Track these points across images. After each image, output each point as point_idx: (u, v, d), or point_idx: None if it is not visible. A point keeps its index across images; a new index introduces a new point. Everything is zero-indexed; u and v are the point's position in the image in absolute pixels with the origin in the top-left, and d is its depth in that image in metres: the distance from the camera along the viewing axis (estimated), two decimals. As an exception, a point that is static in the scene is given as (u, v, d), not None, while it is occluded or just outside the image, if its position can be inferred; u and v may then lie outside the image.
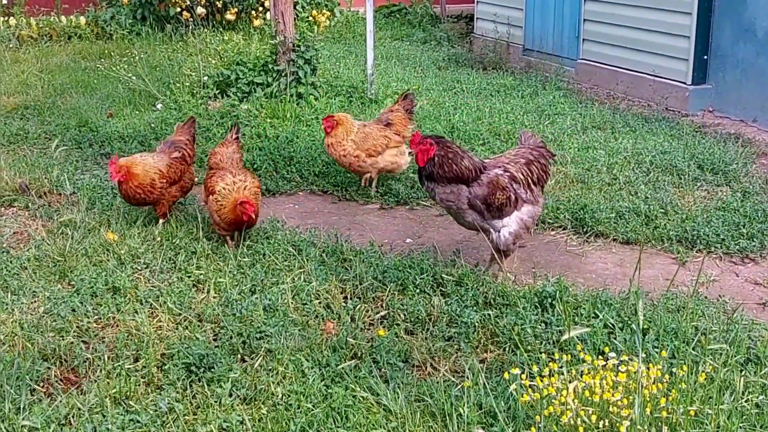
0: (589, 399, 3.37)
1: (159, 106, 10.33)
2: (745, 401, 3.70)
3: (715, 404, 3.57)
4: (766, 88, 9.91)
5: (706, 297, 5.29)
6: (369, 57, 10.52)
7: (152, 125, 9.59)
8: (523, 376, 3.63)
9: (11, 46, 15.14)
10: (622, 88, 11.69)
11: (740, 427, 3.53)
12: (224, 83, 10.43)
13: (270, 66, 10.37)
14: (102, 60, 12.97)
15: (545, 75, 12.55)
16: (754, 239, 6.20)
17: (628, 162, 8.13)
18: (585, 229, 6.59)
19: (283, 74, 10.22)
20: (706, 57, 10.59)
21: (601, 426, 3.29)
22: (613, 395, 3.33)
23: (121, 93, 11.12)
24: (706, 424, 3.47)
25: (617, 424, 3.24)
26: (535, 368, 3.72)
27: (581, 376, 3.50)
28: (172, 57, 12.63)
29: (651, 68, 11.23)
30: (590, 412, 3.30)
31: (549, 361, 3.71)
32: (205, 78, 10.55)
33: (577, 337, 4.56)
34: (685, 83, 10.74)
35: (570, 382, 3.41)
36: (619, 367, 3.54)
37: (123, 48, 14.04)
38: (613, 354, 3.69)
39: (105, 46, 14.79)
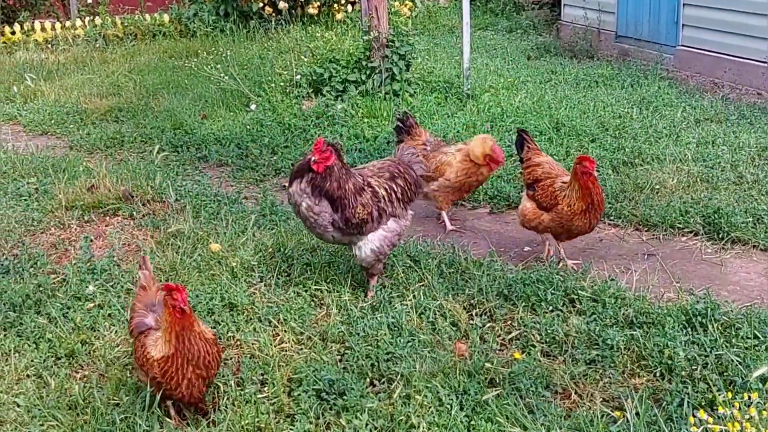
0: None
1: (253, 106, 10.18)
2: None
3: None
4: None
5: None
6: (465, 51, 10.18)
7: (248, 127, 9.44)
8: (710, 420, 3.29)
9: (98, 45, 15.24)
10: (729, 76, 11.10)
11: None
12: (317, 82, 10.22)
13: (363, 63, 10.12)
14: (189, 58, 12.91)
15: (642, 63, 12.04)
16: None
17: (752, 158, 7.64)
18: (720, 235, 6.16)
19: (377, 71, 9.97)
20: (822, 41, 9.98)
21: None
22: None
23: (212, 93, 11.00)
24: None
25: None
26: (722, 410, 3.37)
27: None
28: (263, 55, 12.47)
29: (762, 55, 10.62)
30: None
31: (734, 401, 3.36)
32: (298, 77, 10.35)
33: (736, 360, 4.22)
34: (799, 70, 10.15)
35: (763, 425, 3.05)
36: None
37: (208, 45, 13.97)
38: None
39: (189, 44, 14.76)
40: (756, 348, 4.33)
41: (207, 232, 6.48)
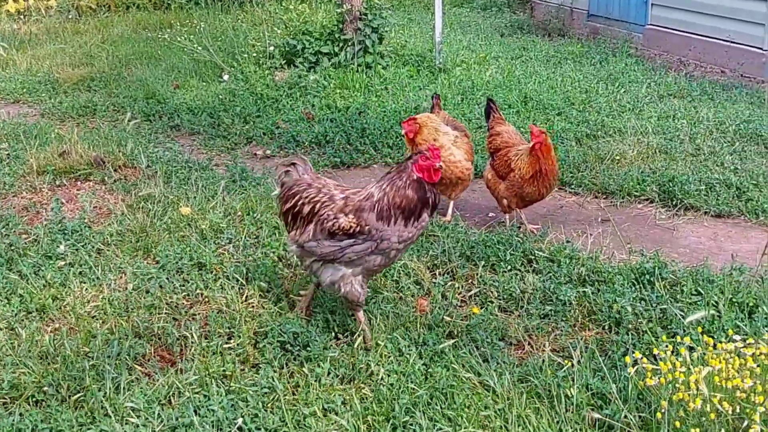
0: (718, 385, 3.23)
1: (225, 77, 10.28)
2: None
3: None
4: None
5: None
6: (437, 25, 10.33)
7: (220, 97, 9.54)
8: (645, 360, 3.49)
9: (71, 17, 15.22)
10: (694, 54, 11.35)
11: None
12: (290, 53, 10.33)
13: (336, 35, 10.25)
14: (163, 30, 12.96)
15: (613, 41, 12.25)
16: None
17: (710, 131, 7.87)
18: (674, 202, 6.39)
19: (350, 43, 10.09)
20: (785, 21, 10.22)
21: (730, 412, 3.15)
22: (742, 380, 3.18)
23: (185, 64, 11.09)
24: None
25: (751, 413, 3.10)
26: (658, 352, 3.57)
27: (705, 360, 3.36)
28: (236, 27, 12.55)
29: (726, 34, 10.86)
30: (718, 397, 3.16)
31: (669, 344, 3.56)
32: (271, 48, 10.45)
33: (680, 314, 4.43)
34: (761, 49, 10.38)
35: (701, 369, 3.25)
36: (742, 349, 3.39)
37: (182, 18, 14.02)
38: (737, 337, 3.54)
39: (164, 16, 14.80)
40: (698, 303, 4.55)
41: (177, 196, 6.60)
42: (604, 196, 6.71)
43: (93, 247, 5.78)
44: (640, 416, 3.59)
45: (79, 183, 7.24)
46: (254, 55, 10.54)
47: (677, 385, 3.27)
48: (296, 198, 4.65)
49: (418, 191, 4.31)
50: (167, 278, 5.23)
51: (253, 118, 8.83)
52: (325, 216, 4.44)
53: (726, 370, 3.24)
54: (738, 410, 3.15)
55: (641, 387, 3.54)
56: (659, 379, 3.33)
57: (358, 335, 4.49)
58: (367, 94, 9.31)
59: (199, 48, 11.11)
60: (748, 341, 3.46)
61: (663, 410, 3.26)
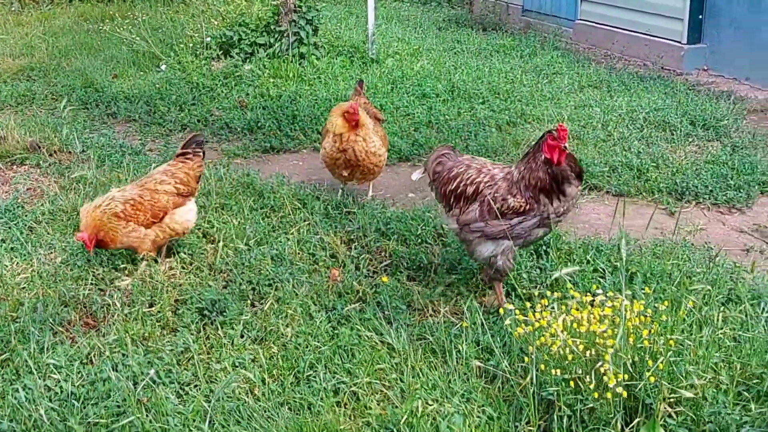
0: (577, 331, 3.62)
1: (163, 66, 10.50)
2: (723, 335, 3.96)
3: (694, 336, 3.84)
4: (758, 47, 10.06)
5: (692, 244, 5.53)
6: (370, 17, 10.67)
7: (157, 86, 9.77)
8: (518, 312, 3.88)
9: (13, 9, 15.27)
10: (619, 48, 11.84)
11: (717, 357, 3.79)
12: (227, 44, 10.59)
13: (272, 27, 10.53)
14: (104, 22, 13.13)
15: (544, 35, 12.70)
16: (741, 190, 6.43)
17: (622, 119, 8.33)
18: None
19: (285, 35, 10.38)
20: (700, 16, 10.73)
21: (588, 355, 3.55)
22: (599, 327, 3.58)
23: (124, 54, 11.30)
24: (686, 354, 3.73)
25: (603, 353, 3.50)
26: (528, 304, 3.96)
27: (570, 310, 3.76)
28: (175, 18, 12.77)
29: (647, 28, 11.38)
30: (578, 342, 3.55)
31: (541, 298, 3.95)
32: (208, 39, 10.70)
33: (569, 279, 4.83)
34: (680, 42, 10.89)
35: (560, 316, 3.66)
36: (605, 303, 3.79)
37: (124, 10, 14.19)
38: (600, 291, 3.94)
39: (106, 9, 14.94)
40: (584, 270, 4.97)
41: (109, 178, 6.85)
42: (517, 178, 7.10)
43: (25, 225, 6.02)
44: (520, 365, 3.98)
45: (14, 167, 7.45)
46: (192, 46, 10.77)
47: (543, 333, 3.66)
48: (458, 180, 4.86)
49: (547, 172, 4.53)
50: (95, 253, 5.49)
51: (188, 106, 9.08)
52: (492, 197, 4.62)
53: (586, 319, 3.64)
54: (594, 352, 3.55)
55: (516, 337, 3.92)
56: (528, 327, 3.71)
57: (493, 302, 4.80)
58: (299, 83, 9.62)
59: (138, 39, 11.32)
60: (608, 294, 3.86)
61: (531, 355, 3.64)
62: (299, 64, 10.16)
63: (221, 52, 10.60)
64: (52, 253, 5.62)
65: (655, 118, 8.28)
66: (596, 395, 3.48)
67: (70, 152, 7.66)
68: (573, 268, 4.02)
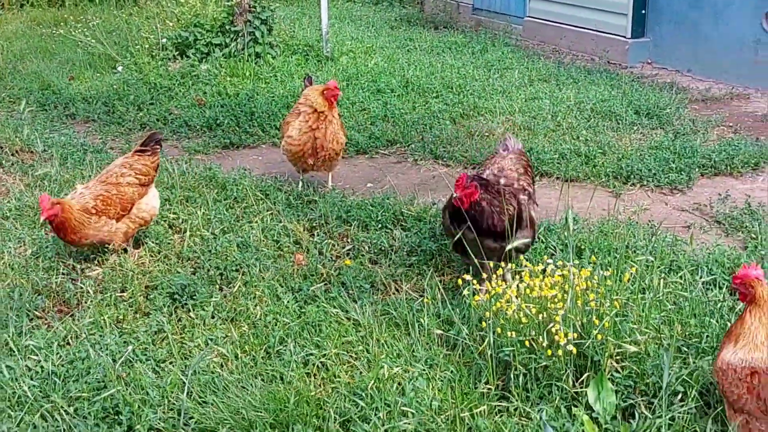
0: (530, 296, 3.90)
1: (120, 68, 10.61)
2: (665, 297, 4.27)
3: (637, 299, 4.14)
4: (699, 40, 10.51)
5: (637, 222, 5.85)
6: (324, 16, 10.91)
7: (115, 87, 9.89)
8: (475, 282, 4.14)
9: (-36, 14, 15.21)
10: (567, 43, 12.24)
11: (659, 318, 4.10)
12: (183, 45, 10.73)
13: (227, 27, 10.70)
14: (58, 26, 13.17)
15: (494, 33, 13.04)
16: (682, 173, 6.79)
17: (570, 110, 8.67)
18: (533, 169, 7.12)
19: (240, 35, 10.57)
20: (644, 11, 11.16)
21: (540, 318, 3.82)
22: (550, 292, 3.86)
23: (80, 57, 11.39)
24: (629, 315, 4.03)
25: (554, 316, 3.78)
26: (484, 275, 4.23)
27: (523, 279, 4.03)
28: (129, 21, 12.85)
29: (593, 24, 11.78)
30: (531, 306, 3.82)
31: (496, 269, 4.22)
32: (164, 40, 10.83)
33: (525, 258, 5.11)
34: (624, 37, 11.31)
35: (513, 283, 3.93)
36: (555, 272, 4.07)
37: (77, 14, 14.22)
38: (550, 261, 4.23)
39: (58, 13, 14.97)
40: (538, 248, 5.26)
41: (73, 175, 6.98)
42: (473, 167, 7.38)
43: (-8, 221, 6.14)
44: (479, 334, 4.24)
45: (-24, 167, 7.53)
46: (147, 47, 10.89)
47: (499, 299, 3.93)
48: None
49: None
50: (64, 245, 5.64)
51: (146, 106, 9.22)
52: None
53: (538, 285, 3.91)
54: (546, 315, 3.82)
55: (474, 306, 4.18)
56: (485, 295, 3.97)
57: None
58: (256, 81, 9.81)
59: (93, 41, 11.40)
60: (558, 264, 4.15)
61: (489, 320, 3.90)
62: (255, 63, 10.35)
63: (177, 52, 10.74)
64: (21, 246, 5.75)
65: (601, 109, 8.63)
66: (549, 354, 3.75)
67: (32, 151, 7.76)
68: (524, 240, 4.29)
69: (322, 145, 6.41)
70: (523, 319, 3.81)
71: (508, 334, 3.83)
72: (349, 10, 15.48)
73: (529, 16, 13.26)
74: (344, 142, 6.68)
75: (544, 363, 3.80)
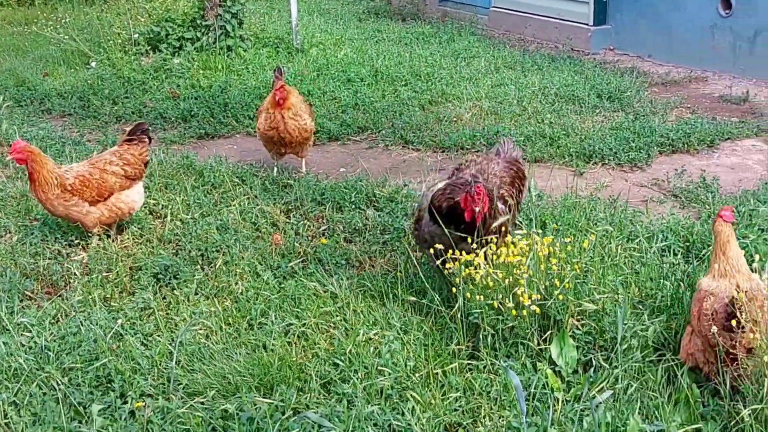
0: (497, 262, 4.16)
1: (93, 64, 10.76)
2: (622, 262, 4.57)
3: (596, 263, 4.43)
4: (658, 26, 10.85)
5: (598, 197, 6.15)
6: (293, 9, 11.13)
7: (89, 82, 10.04)
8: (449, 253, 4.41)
9: (-67, 14, 15.22)
10: (531, 32, 12.54)
11: (617, 280, 4.39)
12: (155, 39, 10.90)
13: (198, 21, 10.88)
14: (29, 25, 13.27)
15: (461, 23, 13.31)
16: (642, 151, 7.10)
17: (535, 95, 8.97)
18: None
19: (211, 29, 10.75)
20: (605, 0, 11.49)
21: (506, 282, 4.08)
22: (515, 258, 4.13)
23: (53, 54, 11.52)
24: (589, 277, 4.31)
25: (519, 279, 4.05)
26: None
27: (490, 246, 4.29)
28: (101, 17, 12.97)
29: (557, 12, 12.09)
30: (498, 272, 4.09)
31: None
32: (136, 35, 10.99)
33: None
34: (587, 24, 11.64)
35: (481, 250, 4.20)
36: (521, 240, 4.34)
37: (48, 12, 14.28)
38: (519, 232, 4.50)
39: (29, 12, 15.05)
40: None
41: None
42: (441, 151, 7.65)
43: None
44: (449, 302, 4.50)
45: (-44, 161, 7.67)
46: (120, 42, 11.04)
47: (468, 266, 4.19)
48: None
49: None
50: (49, 231, 5.83)
51: (121, 99, 9.39)
52: None
53: (504, 253, 4.18)
54: (512, 279, 4.09)
55: (445, 273, 4.44)
56: (456, 263, 4.24)
57: None
58: (229, 73, 10.01)
59: (66, 38, 11.52)
60: (523, 233, 4.42)
61: (458, 286, 4.17)
62: (227, 56, 10.55)
63: (150, 47, 10.90)
64: (7, 234, 5.93)
65: (565, 93, 8.94)
66: (514, 314, 4.02)
67: (10, 145, 7.88)
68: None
69: (285, 135, 6.74)
70: (491, 284, 4.07)
71: (477, 298, 4.09)
72: (318, 3, 15.67)
73: (494, 6, 13.53)
74: (311, 128, 6.92)
75: (511, 324, 4.07)
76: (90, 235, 5.69)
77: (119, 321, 4.49)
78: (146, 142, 5.97)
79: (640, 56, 11.13)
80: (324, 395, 3.94)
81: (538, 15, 12.52)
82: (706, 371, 3.77)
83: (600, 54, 11.31)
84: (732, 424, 3.43)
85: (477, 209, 4.28)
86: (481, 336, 4.12)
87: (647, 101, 8.71)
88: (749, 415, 3.34)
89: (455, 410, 3.78)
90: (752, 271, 3.76)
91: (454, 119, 8.35)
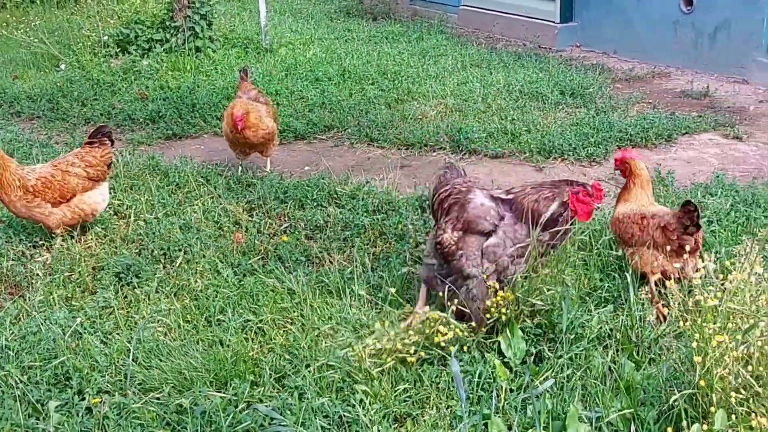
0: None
1: (63, 66, 10.79)
2: (573, 256, 4.71)
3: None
4: (623, 23, 11.00)
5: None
6: (261, 9, 11.20)
7: (58, 84, 10.07)
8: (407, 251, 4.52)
9: None
10: (499, 30, 12.67)
11: (565, 273, 4.52)
12: (124, 41, 10.94)
13: (167, 23, 10.93)
14: (-1, 28, 13.27)
15: (430, 22, 13.42)
16: (600, 146, 7.24)
17: (500, 92, 9.09)
18: (461, 149, 7.52)
19: (180, 30, 10.80)
20: (571, -3, 11.66)
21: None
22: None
23: (23, 57, 11.55)
24: (539, 274, 4.43)
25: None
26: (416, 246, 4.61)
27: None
28: (71, 20, 12.99)
29: (524, 10, 12.23)
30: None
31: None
32: (106, 38, 11.02)
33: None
34: (554, 22, 11.78)
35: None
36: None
37: (18, 15, 14.30)
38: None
39: (0, 16, 14.98)
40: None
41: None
42: (406, 148, 7.76)
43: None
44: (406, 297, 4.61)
45: None
46: (89, 45, 11.07)
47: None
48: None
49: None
50: (13, 233, 5.89)
51: (90, 101, 9.43)
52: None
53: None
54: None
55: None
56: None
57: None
58: (197, 74, 10.07)
59: (36, 41, 11.54)
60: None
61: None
62: (196, 57, 10.61)
63: (119, 49, 10.94)
64: (-30, 236, 5.98)
65: (529, 90, 9.07)
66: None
67: (-23, 148, 7.94)
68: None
69: (248, 139, 6.86)
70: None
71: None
72: (290, 3, 15.74)
73: (463, 5, 13.65)
74: (274, 130, 6.98)
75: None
76: (54, 236, 5.76)
77: (78, 320, 4.56)
78: (108, 144, 6.04)
79: (606, 53, 11.28)
80: (278, 389, 4.03)
81: (506, 13, 12.66)
82: (670, 270, 4.48)
83: (566, 51, 11.46)
84: (666, 408, 3.54)
85: (598, 205, 4.50)
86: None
87: (609, 97, 8.85)
88: (684, 399, 3.46)
89: (405, 401, 3.89)
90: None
91: (419, 117, 8.46)
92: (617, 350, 4.09)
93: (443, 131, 7.83)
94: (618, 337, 4.17)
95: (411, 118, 8.39)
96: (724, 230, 5.30)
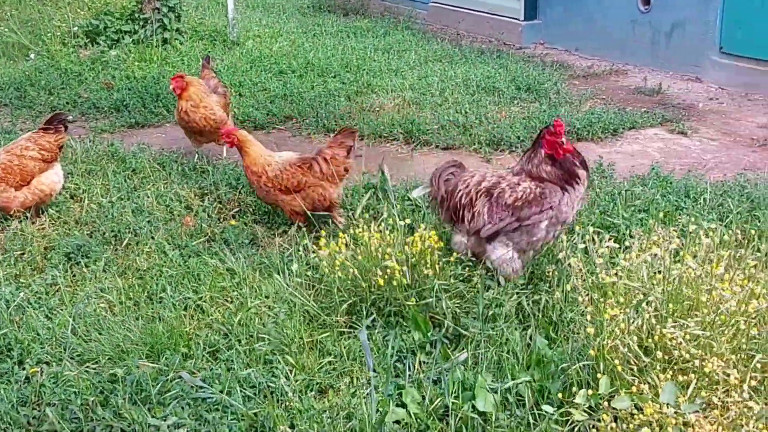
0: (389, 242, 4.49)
1: (32, 56, 10.94)
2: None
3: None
4: (584, 21, 11.26)
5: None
6: (230, 2, 11.39)
7: (27, 74, 10.22)
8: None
9: None
10: (466, 26, 12.90)
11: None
12: (94, 32, 11.10)
13: (136, 15, 11.10)
14: (-31, 19, 13.38)
15: (399, 18, 13.63)
16: (546, 138, 7.46)
17: (458, 86, 9.31)
18: (413, 140, 7.73)
19: (149, 22, 10.97)
20: (535, -5, 11.90)
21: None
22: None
23: (-7, 46, 11.67)
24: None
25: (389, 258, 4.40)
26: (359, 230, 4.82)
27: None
28: (42, 10, 13.12)
29: (490, 8, 12.47)
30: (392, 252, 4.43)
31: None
32: (75, 28, 11.17)
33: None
34: (518, 19, 12.02)
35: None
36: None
37: (-7, 6, 14.41)
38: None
39: (-26, 6, 15.09)
40: (404, 202, 5.87)
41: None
42: (361, 138, 7.95)
43: None
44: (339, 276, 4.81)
45: None
46: (60, 35, 11.22)
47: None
48: (467, 189, 4.83)
49: (554, 165, 4.67)
50: (-31, 216, 6.06)
51: (57, 90, 9.58)
52: (500, 191, 4.70)
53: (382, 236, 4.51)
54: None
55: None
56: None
57: None
58: (163, 65, 10.24)
59: (7, 31, 11.68)
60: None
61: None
62: (163, 49, 10.78)
63: (88, 40, 11.10)
64: (-74, 217, 6.15)
65: (486, 85, 9.30)
66: (381, 283, 4.36)
67: (-59, 135, 8.09)
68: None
69: (193, 124, 7.03)
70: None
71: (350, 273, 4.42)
72: (263, -3, 15.93)
73: (433, 2, 13.88)
74: (222, 119, 7.10)
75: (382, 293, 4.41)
76: (9, 218, 5.93)
77: (21, 294, 4.74)
78: (62, 130, 6.21)
79: (568, 50, 11.53)
80: (211, 362, 4.24)
81: (474, 10, 12.89)
82: None
83: (530, 48, 11.70)
84: (570, 380, 3.77)
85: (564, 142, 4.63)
86: (362, 308, 4.45)
87: (564, 93, 9.09)
88: (587, 372, 3.68)
89: (329, 373, 4.10)
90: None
91: (377, 109, 8.68)
92: (536, 328, 4.31)
93: (398, 123, 8.04)
94: (538, 316, 4.40)
95: (368, 110, 8.61)
96: (652, 218, 5.53)
